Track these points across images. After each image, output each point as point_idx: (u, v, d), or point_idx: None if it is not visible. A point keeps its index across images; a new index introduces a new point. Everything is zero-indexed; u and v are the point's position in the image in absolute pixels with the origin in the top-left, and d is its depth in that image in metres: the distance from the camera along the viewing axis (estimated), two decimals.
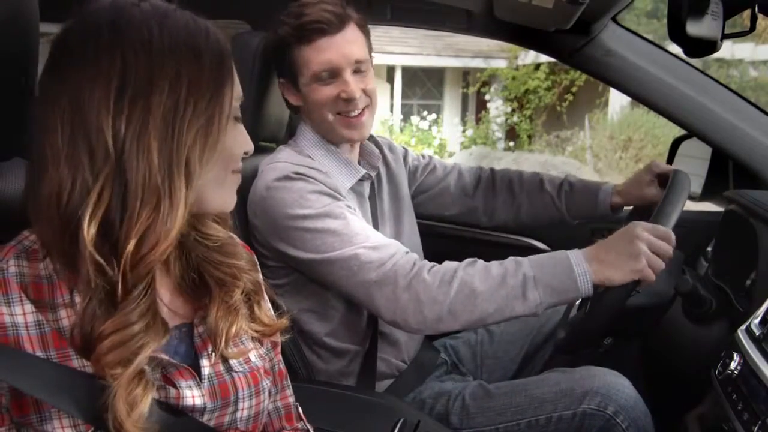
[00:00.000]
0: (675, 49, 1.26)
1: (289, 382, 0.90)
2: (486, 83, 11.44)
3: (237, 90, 0.71)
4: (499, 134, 11.59)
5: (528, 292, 1.08)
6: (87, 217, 0.62)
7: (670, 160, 1.65)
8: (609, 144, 9.66)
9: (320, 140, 1.28)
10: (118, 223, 0.63)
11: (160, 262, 0.66)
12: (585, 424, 1.19)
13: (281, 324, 0.82)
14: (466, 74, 11.87)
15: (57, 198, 0.63)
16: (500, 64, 11.16)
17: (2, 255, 0.67)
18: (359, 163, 1.33)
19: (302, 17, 1.19)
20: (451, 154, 10.82)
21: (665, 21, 1.10)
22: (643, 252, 1.06)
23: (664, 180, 1.33)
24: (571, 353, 1.39)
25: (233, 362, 0.77)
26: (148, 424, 0.65)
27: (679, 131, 1.62)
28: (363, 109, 1.24)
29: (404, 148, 1.54)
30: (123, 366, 0.63)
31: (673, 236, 1.10)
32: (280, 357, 0.88)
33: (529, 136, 11.35)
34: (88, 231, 0.62)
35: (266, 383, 0.80)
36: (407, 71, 11.32)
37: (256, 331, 0.80)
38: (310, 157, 1.26)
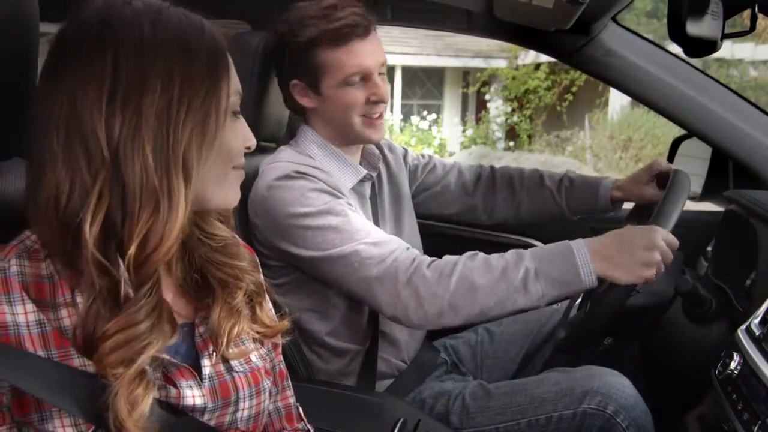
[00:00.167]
0: (675, 48, 1.26)
1: (289, 382, 0.90)
2: (486, 83, 11.45)
3: (234, 85, 0.70)
4: (499, 134, 11.60)
5: (529, 285, 1.07)
6: (88, 219, 0.62)
7: (670, 160, 1.65)
8: (609, 144, 9.67)
9: (322, 141, 1.28)
10: (119, 224, 0.63)
11: (165, 261, 0.65)
12: (585, 424, 1.19)
13: (282, 325, 0.82)
14: (466, 74, 11.87)
15: (56, 200, 0.63)
16: (500, 63, 11.17)
17: (4, 254, 0.67)
18: (360, 164, 1.33)
19: (336, 20, 1.17)
20: (451, 154, 10.83)
21: (665, 21, 1.10)
22: (657, 262, 1.06)
23: (664, 179, 1.33)
24: (571, 353, 1.39)
25: (234, 362, 0.76)
26: (149, 423, 0.65)
27: (679, 131, 1.62)
28: (382, 111, 1.26)
29: (404, 148, 1.55)
30: (125, 366, 0.63)
31: (677, 242, 1.10)
32: (281, 357, 0.88)
33: (529, 136, 11.36)
34: (90, 232, 0.62)
35: (267, 383, 0.80)
36: (407, 71, 11.33)
37: (258, 332, 0.80)
38: (311, 157, 1.26)
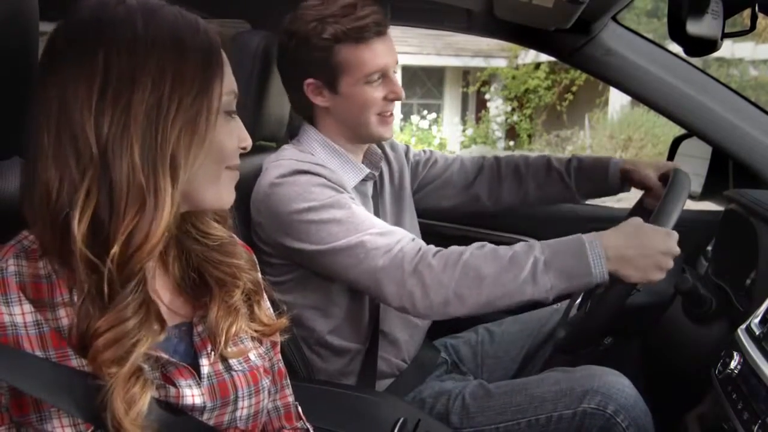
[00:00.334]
0: (675, 48, 1.26)
1: (288, 381, 0.90)
2: (486, 82, 11.45)
3: (229, 84, 0.70)
4: (499, 133, 11.61)
5: (538, 276, 1.06)
6: (76, 216, 0.62)
7: (670, 160, 1.65)
8: (609, 143, 9.66)
9: (325, 140, 1.28)
10: (107, 221, 0.63)
11: (151, 259, 0.65)
12: (585, 424, 1.19)
13: (281, 324, 0.82)
14: (466, 73, 11.87)
15: (47, 197, 0.63)
16: (500, 63, 11.17)
17: (1, 255, 0.67)
18: (362, 163, 1.33)
19: (359, 18, 1.18)
20: (451, 154, 10.82)
21: (665, 20, 1.10)
22: (669, 267, 1.07)
23: (664, 179, 1.33)
24: (571, 352, 1.39)
25: (232, 361, 0.76)
26: (147, 422, 0.65)
27: (679, 130, 1.62)
28: (393, 109, 1.28)
29: (406, 145, 1.55)
30: (118, 364, 0.63)
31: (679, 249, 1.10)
32: (279, 356, 0.88)
33: (529, 136, 11.36)
34: (79, 229, 0.62)
35: (266, 382, 0.80)
36: (407, 70, 11.32)
37: (256, 331, 0.80)
38: (313, 155, 1.26)
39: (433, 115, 11.48)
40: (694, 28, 1.05)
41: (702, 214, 1.70)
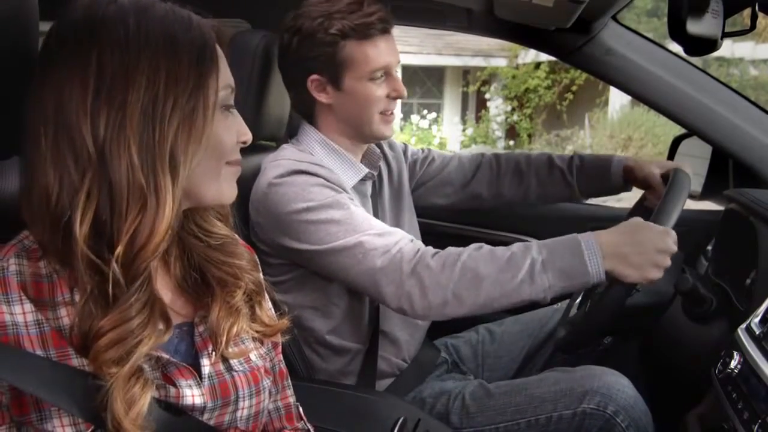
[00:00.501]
0: (675, 47, 1.26)
1: (289, 381, 0.90)
2: (486, 82, 11.45)
3: (225, 79, 0.70)
4: (499, 133, 11.61)
5: (536, 276, 1.07)
6: (78, 217, 0.62)
7: (670, 159, 1.64)
8: (609, 143, 9.66)
9: (324, 140, 1.28)
10: (109, 222, 0.63)
11: (155, 258, 0.65)
12: (585, 424, 1.19)
13: (282, 324, 0.82)
14: (466, 73, 11.87)
15: (46, 199, 0.63)
16: (500, 62, 11.17)
17: (2, 254, 0.67)
18: (361, 162, 1.33)
19: (366, 15, 1.19)
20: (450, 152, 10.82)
21: (665, 19, 1.10)
22: (667, 266, 1.07)
23: (666, 178, 1.33)
24: (571, 352, 1.39)
25: (233, 361, 0.76)
26: (147, 422, 0.65)
27: (679, 130, 1.61)
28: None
29: (404, 143, 1.55)
30: (119, 364, 0.62)
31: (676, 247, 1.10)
32: (281, 357, 0.88)
33: (529, 135, 11.36)
34: (81, 230, 0.62)
35: (266, 382, 0.80)
36: (407, 70, 11.31)
37: (257, 332, 0.80)
38: (312, 155, 1.26)
39: (433, 114, 11.48)
40: (694, 27, 1.05)
41: (702, 213, 1.69)
